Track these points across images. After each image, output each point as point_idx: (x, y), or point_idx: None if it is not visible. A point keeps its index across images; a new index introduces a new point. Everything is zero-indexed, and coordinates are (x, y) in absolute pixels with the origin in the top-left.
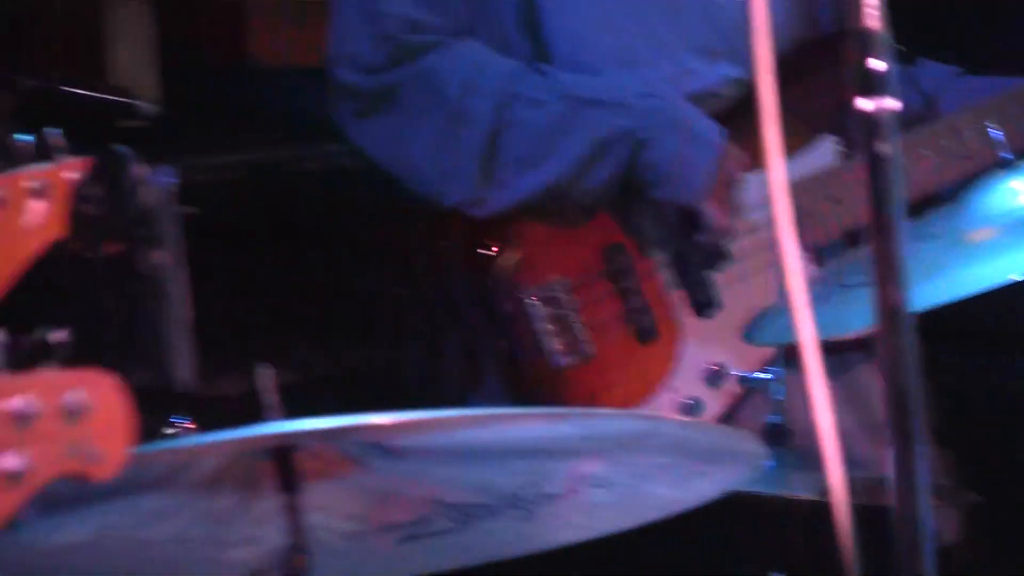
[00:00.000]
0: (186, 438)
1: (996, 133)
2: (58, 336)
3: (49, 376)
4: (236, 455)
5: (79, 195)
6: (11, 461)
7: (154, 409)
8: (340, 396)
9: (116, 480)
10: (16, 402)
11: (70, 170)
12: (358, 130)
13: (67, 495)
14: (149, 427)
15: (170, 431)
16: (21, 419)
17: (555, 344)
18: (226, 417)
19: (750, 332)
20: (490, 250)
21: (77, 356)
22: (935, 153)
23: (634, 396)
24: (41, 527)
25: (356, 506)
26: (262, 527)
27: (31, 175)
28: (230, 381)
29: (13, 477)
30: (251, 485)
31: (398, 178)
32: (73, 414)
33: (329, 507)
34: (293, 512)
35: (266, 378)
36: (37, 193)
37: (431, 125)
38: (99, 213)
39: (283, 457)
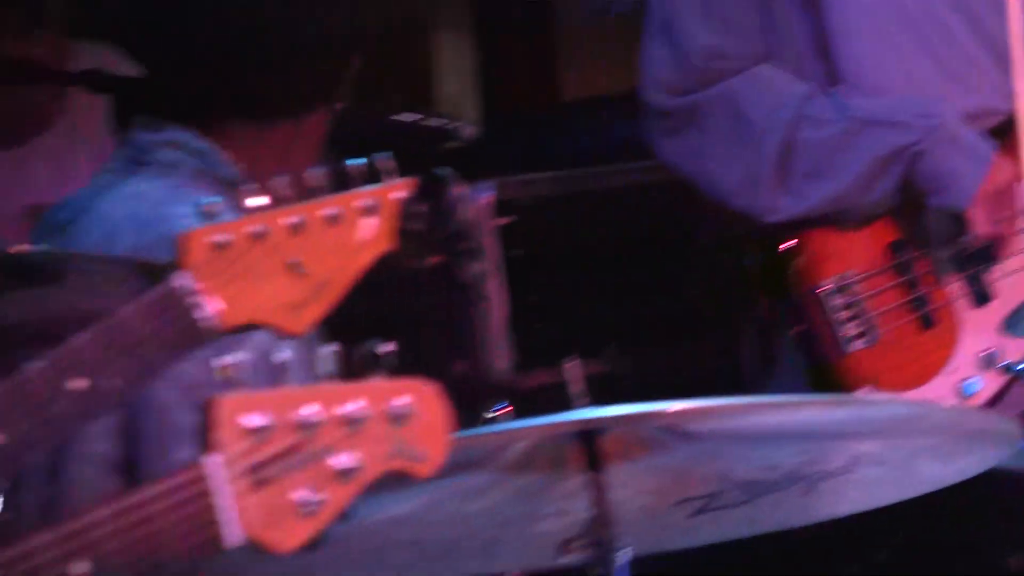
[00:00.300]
0: (504, 423)
1: None
2: (385, 348)
3: (378, 384)
4: (547, 438)
5: (405, 212)
6: (345, 460)
7: (476, 398)
8: (643, 385)
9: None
10: (349, 408)
11: (398, 190)
12: (666, 147)
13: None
14: (472, 414)
15: (490, 417)
16: (353, 422)
17: (847, 330)
18: (539, 405)
19: (1012, 323)
20: (787, 247)
21: (408, 358)
22: None
23: (915, 378)
24: (371, 503)
25: (654, 483)
26: (570, 501)
27: (363, 195)
28: (543, 373)
29: (346, 474)
30: (560, 465)
31: (701, 189)
32: (399, 419)
33: (629, 484)
34: (597, 489)
35: (574, 370)
36: (368, 211)
37: (731, 142)
38: (423, 228)
39: (589, 440)
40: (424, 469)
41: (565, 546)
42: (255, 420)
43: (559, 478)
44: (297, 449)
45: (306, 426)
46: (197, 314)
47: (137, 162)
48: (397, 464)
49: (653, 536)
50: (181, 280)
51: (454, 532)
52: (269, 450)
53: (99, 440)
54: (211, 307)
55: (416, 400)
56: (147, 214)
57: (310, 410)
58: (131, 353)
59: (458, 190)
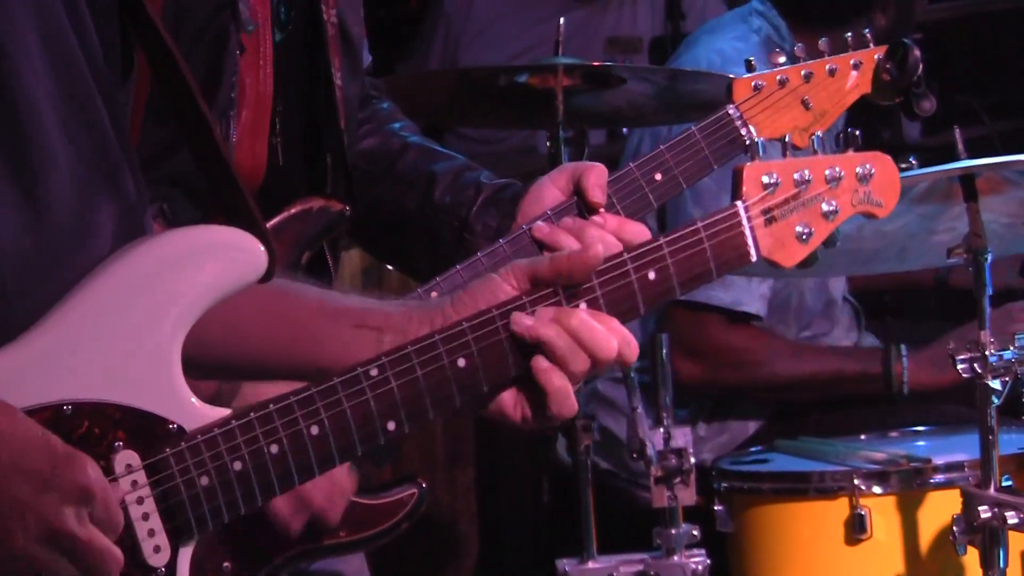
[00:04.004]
0: (911, 172)
1: None
2: (855, 133)
3: (850, 155)
4: (940, 180)
5: (880, 67)
6: (829, 205)
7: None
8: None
9: None
10: (831, 170)
11: (877, 52)
12: None
13: None
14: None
15: (904, 166)
16: (834, 180)
17: None
18: (939, 158)
19: None
20: None
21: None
22: None
23: None
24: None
25: (1013, 208)
26: (955, 222)
27: (854, 55)
28: (943, 136)
29: (829, 214)
30: (948, 197)
31: None
32: (864, 177)
33: (995, 209)
34: (973, 213)
35: (959, 134)
36: (856, 66)
37: None
38: (891, 79)
39: (968, 180)
40: (881, 212)
41: (951, 252)
42: (768, 178)
43: (948, 206)
44: (796, 197)
45: (802, 182)
46: (742, 131)
47: (741, 20)
48: (863, 208)
49: (1010, 244)
50: (732, 110)
51: (877, 244)
52: (777, 198)
53: None
54: (748, 128)
55: (875, 165)
56: (720, 64)
57: (805, 172)
58: (695, 157)
59: (915, 52)
